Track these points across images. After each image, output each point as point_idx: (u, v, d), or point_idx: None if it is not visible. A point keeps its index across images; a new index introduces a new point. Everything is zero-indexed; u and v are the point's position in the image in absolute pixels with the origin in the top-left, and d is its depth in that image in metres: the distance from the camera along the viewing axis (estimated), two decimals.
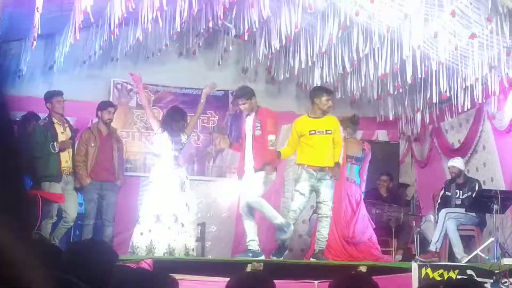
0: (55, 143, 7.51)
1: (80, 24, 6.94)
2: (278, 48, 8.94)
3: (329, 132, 7.37)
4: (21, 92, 9.15)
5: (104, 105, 8.08)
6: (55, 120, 7.73)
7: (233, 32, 9.07)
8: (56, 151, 7.53)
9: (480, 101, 8.13)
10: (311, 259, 7.37)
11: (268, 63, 9.90)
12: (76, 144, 8.01)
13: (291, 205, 7.45)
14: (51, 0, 7.03)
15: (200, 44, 9.77)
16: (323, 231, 7.39)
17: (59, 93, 7.82)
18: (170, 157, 7.33)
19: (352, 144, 8.39)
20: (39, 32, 6.75)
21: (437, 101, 8.87)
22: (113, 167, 7.98)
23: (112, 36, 8.24)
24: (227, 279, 5.88)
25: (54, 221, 7.52)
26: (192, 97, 9.65)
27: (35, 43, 7.48)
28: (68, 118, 8.36)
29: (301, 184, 7.30)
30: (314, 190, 7.33)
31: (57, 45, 8.80)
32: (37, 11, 6.19)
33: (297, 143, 7.45)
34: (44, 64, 9.19)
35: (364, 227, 8.22)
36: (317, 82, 9.38)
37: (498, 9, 6.48)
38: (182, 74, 10.12)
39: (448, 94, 8.41)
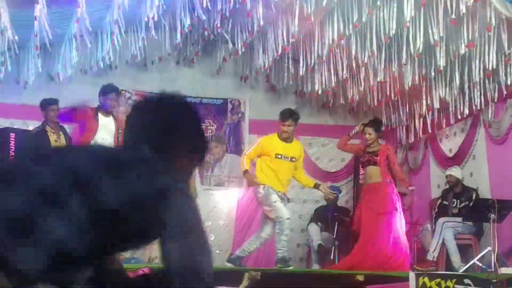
0: None
1: (79, 33, 6.97)
2: (275, 57, 8.97)
3: (293, 160, 7.52)
4: (23, 101, 9.19)
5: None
6: (48, 129, 7.74)
7: (230, 45, 9.12)
8: None
9: (477, 109, 8.15)
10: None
11: (268, 71, 9.92)
12: None
13: (284, 214, 7.43)
14: (51, 9, 7.06)
15: (199, 53, 9.79)
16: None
17: (54, 101, 7.83)
18: None
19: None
20: (39, 41, 6.78)
21: (434, 109, 8.89)
22: None
23: (112, 44, 8.26)
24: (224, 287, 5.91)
25: None
26: None
27: (36, 51, 7.53)
28: (67, 126, 8.37)
29: (273, 196, 7.40)
30: None
31: (58, 54, 8.82)
32: (37, 19, 6.22)
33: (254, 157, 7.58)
34: (45, 73, 9.20)
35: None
36: (316, 90, 9.41)
37: (497, 17, 6.51)
38: (181, 82, 10.13)
39: (445, 101, 8.45)
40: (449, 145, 9.45)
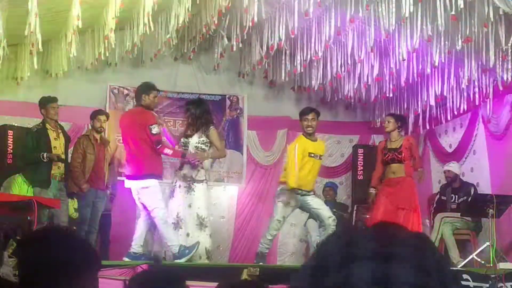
0: (45, 154, 7.48)
1: (75, 29, 6.95)
2: (272, 54, 8.97)
3: (321, 158, 7.56)
4: (19, 98, 9.18)
5: (94, 113, 8.08)
6: (48, 126, 7.72)
7: (225, 40, 9.09)
8: (45, 161, 7.51)
9: (475, 104, 8.15)
10: None
11: (266, 66, 9.91)
12: (73, 149, 8.00)
13: (275, 215, 7.52)
14: (48, 5, 7.05)
15: (196, 49, 9.77)
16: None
17: (53, 99, 7.81)
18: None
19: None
20: (37, 37, 6.75)
21: (432, 105, 8.90)
22: (105, 176, 8.01)
23: (107, 41, 8.24)
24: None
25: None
26: None
27: (33, 48, 7.50)
28: (64, 123, 8.37)
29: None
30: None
31: (54, 50, 8.81)
32: (35, 15, 6.20)
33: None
34: (42, 70, 9.19)
35: None
36: (313, 86, 9.41)
37: (494, 13, 6.50)
38: (178, 78, 10.13)
39: (442, 97, 8.45)
40: (449, 140, 9.46)
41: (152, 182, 6.90)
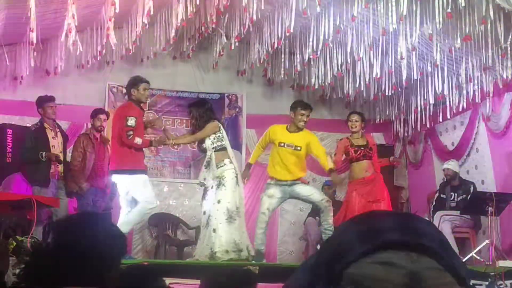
0: (43, 153, 7.48)
1: (74, 28, 6.94)
2: (271, 52, 8.96)
3: (298, 148, 7.47)
4: (17, 97, 9.17)
5: (95, 112, 8.07)
6: (46, 126, 7.71)
7: (224, 39, 9.08)
8: (44, 160, 7.50)
9: (475, 102, 8.14)
10: None
11: (265, 64, 9.91)
12: (72, 147, 8.00)
13: (261, 208, 7.58)
14: (46, 4, 7.04)
15: (195, 48, 9.76)
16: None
17: (51, 99, 7.80)
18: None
19: None
20: (35, 36, 6.75)
21: (432, 103, 8.89)
22: (105, 175, 7.98)
23: (107, 39, 8.23)
24: None
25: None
26: (187, 100, 9.65)
27: (31, 47, 7.50)
28: (63, 123, 8.35)
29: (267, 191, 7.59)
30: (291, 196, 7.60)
31: (53, 49, 8.80)
32: (33, 15, 6.20)
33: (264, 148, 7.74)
34: (40, 69, 9.19)
35: None
36: (312, 84, 9.40)
37: (493, 10, 6.49)
38: (177, 77, 10.13)
39: (442, 95, 8.44)
40: (450, 138, 9.46)
41: (138, 178, 6.89)
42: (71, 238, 1.83)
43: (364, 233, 0.89)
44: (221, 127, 7.38)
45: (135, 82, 7.08)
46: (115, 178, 7.04)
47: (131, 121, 6.82)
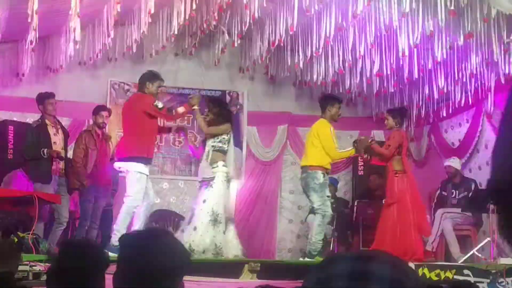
0: (45, 150, 7.48)
1: (78, 28, 6.93)
2: (273, 50, 8.95)
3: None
4: (19, 94, 9.17)
5: (97, 109, 8.08)
6: (47, 122, 7.72)
7: (226, 36, 9.06)
8: (46, 157, 7.51)
9: (478, 99, 8.13)
10: (306, 259, 7.34)
11: (267, 61, 9.90)
12: (74, 144, 8.00)
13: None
14: (48, 1, 7.03)
15: (196, 45, 9.75)
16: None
17: (50, 95, 7.80)
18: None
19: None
20: (37, 33, 6.75)
21: (434, 100, 8.88)
22: (107, 172, 7.99)
23: (109, 37, 8.22)
24: (223, 279, 5.92)
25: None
26: None
27: (33, 44, 7.49)
28: (65, 119, 8.35)
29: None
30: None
31: (55, 46, 8.80)
32: (35, 13, 6.19)
33: None
34: (42, 65, 9.19)
35: None
36: (315, 80, 9.39)
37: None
38: (179, 74, 10.12)
39: (445, 92, 8.42)
40: (454, 135, 9.45)
41: (134, 167, 6.85)
42: (139, 253, 1.93)
43: (321, 280, 1.11)
44: (231, 132, 7.43)
45: (153, 76, 7.14)
46: (119, 165, 7.05)
47: (160, 104, 6.99)
